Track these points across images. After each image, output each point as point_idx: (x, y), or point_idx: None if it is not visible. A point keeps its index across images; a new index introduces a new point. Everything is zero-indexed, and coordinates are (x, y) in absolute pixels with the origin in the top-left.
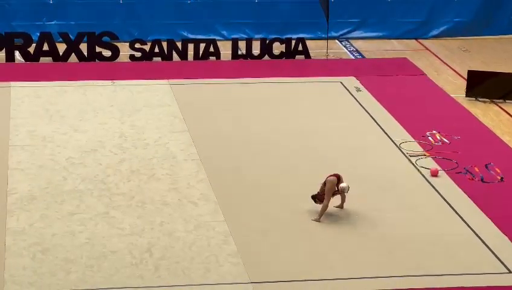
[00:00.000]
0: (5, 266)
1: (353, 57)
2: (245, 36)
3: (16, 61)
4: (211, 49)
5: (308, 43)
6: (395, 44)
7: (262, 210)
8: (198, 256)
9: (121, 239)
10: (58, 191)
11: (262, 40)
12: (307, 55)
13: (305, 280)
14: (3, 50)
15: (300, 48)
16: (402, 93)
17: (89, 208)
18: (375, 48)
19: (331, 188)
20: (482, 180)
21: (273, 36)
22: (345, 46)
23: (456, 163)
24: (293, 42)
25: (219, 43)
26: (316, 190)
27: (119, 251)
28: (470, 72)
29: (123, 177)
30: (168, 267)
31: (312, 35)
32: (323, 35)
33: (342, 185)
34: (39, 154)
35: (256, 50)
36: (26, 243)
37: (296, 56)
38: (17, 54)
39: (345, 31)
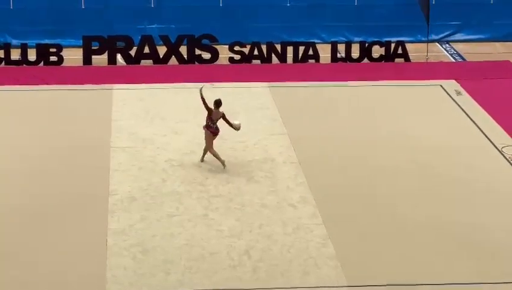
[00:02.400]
0: (107, 266)
1: (454, 60)
2: (344, 39)
3: (118, 64)
4: (310, 52)
5: (408, 46)
6: (497, 46)
7: (360, 213)
8: (296, 259)
9: (219, 241)
10: (158, 192)
11: (362, 43)
12: (407, 58)
13: (403, 285)
14: (106, 53)
15: (400, 50)
16: (504, 97)
17: (187, 209)
18: (476, 51)
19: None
20: None
21: (373, 39)
22: (445, 49)
23: None
24: (393, 45)
25: (318, 46)
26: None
27: (218, 253)
28: None
29: (222, 180)
30: (267, 270)
31: (412, 38)
32: (423, 38)
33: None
34: (139, 156)
35: (355, 53)
36: (127, 244)
37: (396, 59)
38: (119, 56)
39: (446, 33)
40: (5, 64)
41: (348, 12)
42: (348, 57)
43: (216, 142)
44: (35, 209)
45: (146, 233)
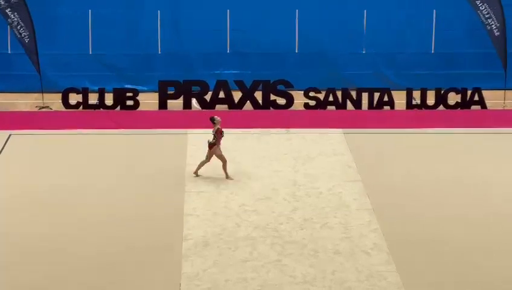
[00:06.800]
0: None
1: None
2: (419, 86)
3: (193, 109)
4: (385, 98)
5: (485, 93)
6: None
7: (435, 262)
8: None
9: (292, 287)
10: (232, 237)
11: (437, 90)
12: (483, 106)
13: None
14: (181, 98)
15: (476, 98)
16: None
17: (261, 255)
18: None
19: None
20: None
21: (449, 86)
22: None
23: None
24: (469, 92)
25: (393, 93)
26: None
27: None
28: None
29: (296, 226)
30: None
31: (489, 86)
32: (500, 86)
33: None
34: (214, 201)
35: (431, 100)
36: (200, 288)
37: (472, 106)
38: (194, 101)
39: None
40: (83, 108)
41: (424, 59)
42: (424, 104)
43: (291, 189)
44: (110, 255)
45: (219, 278)
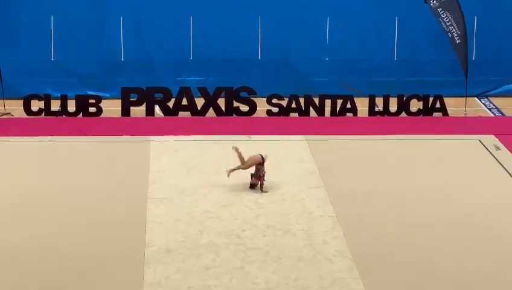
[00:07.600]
0: None
1: (492, 115)
2: (382, 93)
3: (156, 116)
4: (348, 105)
5: (446, 100)
6: None
7: (399, 269)
8: None
9: None
10: (195, 244)
11: (400, 97)
12: (445, 113)
13: None
14: (144, 104)
15: (438, 105)
16: None
17: (224, 262)
18: None
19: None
20: None
21: (411, 93)
22: (484, 104)
23: None
24: (431, 99)
25: (356, 100)
26: None
27: None
28: None
29: (259, 232)
30: None
31: (450, 93)
32: (462, 93)
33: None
34: (176, 208)
35: (393, 107)
36: None
37: (434, 113)
38: (156, 108)
39: (486, 88)
40: (45, 114)
41: (387, 66)
42: (386, 111)
43: (254, 195)
44: (71, 262)
45: (182, 285)
